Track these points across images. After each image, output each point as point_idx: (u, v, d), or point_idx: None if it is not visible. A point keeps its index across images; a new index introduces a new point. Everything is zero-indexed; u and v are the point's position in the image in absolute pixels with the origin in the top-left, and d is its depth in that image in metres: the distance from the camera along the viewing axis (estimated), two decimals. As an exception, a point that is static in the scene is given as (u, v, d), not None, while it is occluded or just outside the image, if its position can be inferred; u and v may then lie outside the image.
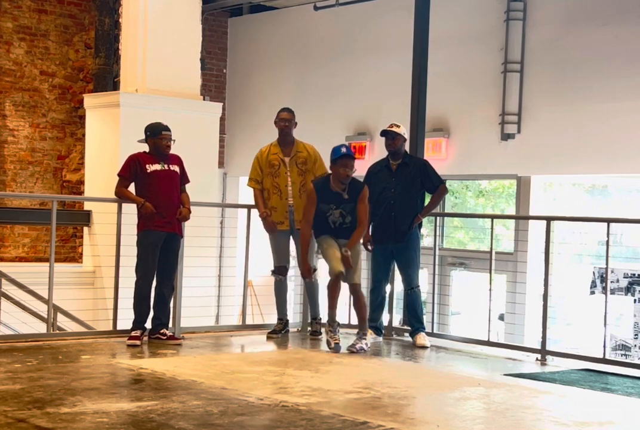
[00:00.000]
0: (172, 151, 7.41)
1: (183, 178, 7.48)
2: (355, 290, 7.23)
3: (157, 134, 7.28)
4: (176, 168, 7.39)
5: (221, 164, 14.12)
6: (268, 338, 7.81)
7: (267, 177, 7.84)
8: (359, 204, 7.20)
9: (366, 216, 7.26)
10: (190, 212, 7.41)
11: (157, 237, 7.23)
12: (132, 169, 7.28)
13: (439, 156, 11.67)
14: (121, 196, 7.36)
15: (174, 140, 7.36)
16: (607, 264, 6.96)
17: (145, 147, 7.41)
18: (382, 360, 7.13)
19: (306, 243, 7.31)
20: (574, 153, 10.68)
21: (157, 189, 7.24)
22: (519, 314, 10.35)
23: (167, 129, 7.33)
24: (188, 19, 11.82)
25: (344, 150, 7.16)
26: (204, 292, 9.77)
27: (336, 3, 12.58)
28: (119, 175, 7.36)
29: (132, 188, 7.40)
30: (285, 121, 7.83)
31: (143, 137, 7.39)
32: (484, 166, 11.65)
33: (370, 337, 7.74)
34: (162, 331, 7.30)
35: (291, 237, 7.86)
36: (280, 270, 7.88)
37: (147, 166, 7.25)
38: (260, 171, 7.86)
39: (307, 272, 7.41)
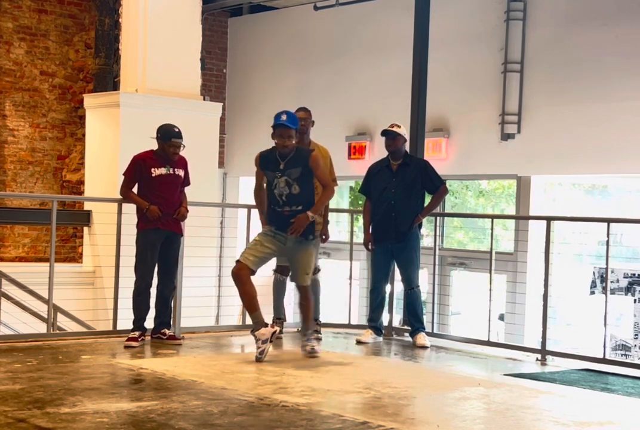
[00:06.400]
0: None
1: (185, 181, 7.48)
2: (302, 292, 6.81)
3: (166, 140, 7.25)
4: (181, 172, 7.38)
5: (221, 164, 14.13)
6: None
7: None
8: (315, 171, 6.69)
9: (328, 178, 6.89)
10: (187, 210, 7.41)
11: (157, 237, 7.24)
12: (136, 171, 7.28)
13: (439, 156, 11.67)
14: (126, 198, 7.37)
15: (184, 146, 7.34)
16: (607, 264, 6.96)
17: (153, 144, 7.37)
18: (382, 360, 7.13)
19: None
20: (573, 153, 10.68)
21: (159, 192, 7.25)
22: (519, 314, 10.35)
23: (177, 136, 7.25)
24: (188, 19, 11.82)
25: (283, 118, 6.62)
26: (204, 292, 9.76)
27: (336, 3, 12.59)
28: (124, 175, 7.38)
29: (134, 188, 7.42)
30: (302, 120, 7.76)
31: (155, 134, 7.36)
32: (484, 166, 11.65)
33: (371, 336, 7.76)
34: (163, 331, 7.32)
35: None
36: (281, 270, 7.86)
37: (152, 170, 7.23)
38: None
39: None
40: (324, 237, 7.69)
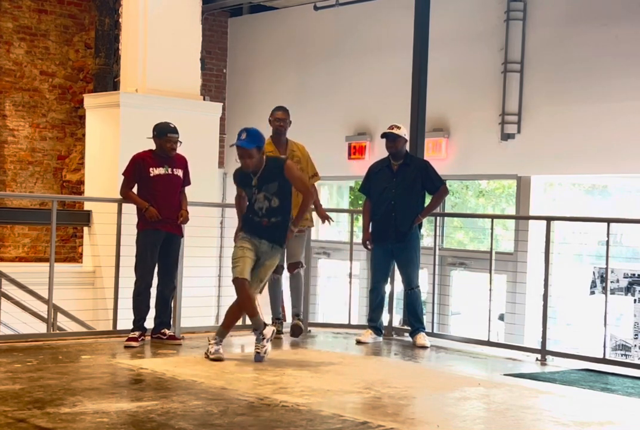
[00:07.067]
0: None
1: (185, 181, 7.47)
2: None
3: (162, 136, 7.27)
4: (179, 172, 7.37)
5: (221, 164, 14.11)
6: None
7: None
8: (291, 180, 6.64)
9: (305, 184, 6.84)
10: (188, 212, 7.41)
11: (157, 237, 7.24)
12: (135, 171, 7.29)
13: (439, 156, 11.67)
14: (126, 198, 7.38)
15: (181, 142, 7.35)
16: (607, 264, 6.97)
17: (153, 144, 7.38)
18: (382, 360, 7.13)
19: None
20: (573, 153, 10.68)
21: (157, 192, 7.25)
22: (519, 314, 10.35)
23: (173, 131, 7.29)
24: (188, 19, 11.82)
25: (242, 137, 6.52)
26: (204, 292, 9.76)
27: (336, 3, 12.59)
28: (123, 175, 7.39)
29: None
30: (281, 121, 7.73)
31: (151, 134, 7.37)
32: (484, 166, 11.65)
33: (371, 336, 7.76)
34: (163, 331, 7.32)
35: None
36: (275, 269, 7.83)
37: (150, 169, 7.24)
38: None
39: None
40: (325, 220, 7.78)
